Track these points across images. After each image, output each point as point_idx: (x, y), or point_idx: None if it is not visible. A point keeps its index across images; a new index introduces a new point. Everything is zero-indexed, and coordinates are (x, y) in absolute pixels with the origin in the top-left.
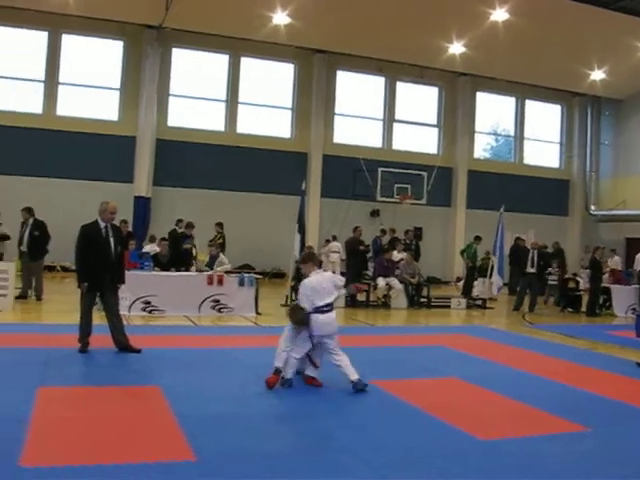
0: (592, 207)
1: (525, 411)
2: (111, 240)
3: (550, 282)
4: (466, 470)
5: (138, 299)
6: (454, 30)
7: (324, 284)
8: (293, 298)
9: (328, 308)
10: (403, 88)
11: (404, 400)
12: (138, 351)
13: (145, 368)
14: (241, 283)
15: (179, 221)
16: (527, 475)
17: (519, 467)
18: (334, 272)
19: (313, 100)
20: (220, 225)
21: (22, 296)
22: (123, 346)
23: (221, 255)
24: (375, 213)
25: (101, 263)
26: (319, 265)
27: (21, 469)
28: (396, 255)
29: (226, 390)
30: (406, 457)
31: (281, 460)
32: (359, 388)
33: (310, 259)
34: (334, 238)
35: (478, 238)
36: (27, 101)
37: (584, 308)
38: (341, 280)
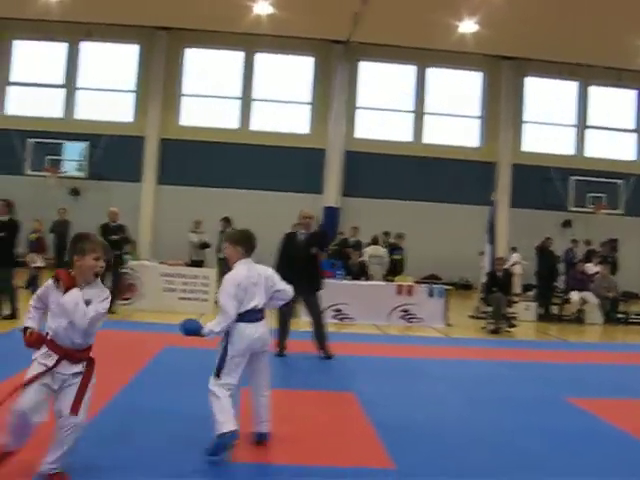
0: None
1: None
2: (306, 247)
3: None
4: None
5: (330, 307)
6: None
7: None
8: (482, 310)
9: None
10: (597, 93)
11: (607, 421)
12: (329, 357)
13: (338, 374)
14: (430, 294)
15: (353, 228)
16: None
17: None
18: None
19: (502, 108)
20: (400, 236)
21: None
22: (319, 351)
23: None
24: (567, 224)
25: (296, 269)
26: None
27: (232, 464)
28: (591, 268)
29: (419, 399)
30: (601, 476)
31: (482, 476)
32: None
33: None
34: (513, 249)
35: None
36: (225, 117)
37: None
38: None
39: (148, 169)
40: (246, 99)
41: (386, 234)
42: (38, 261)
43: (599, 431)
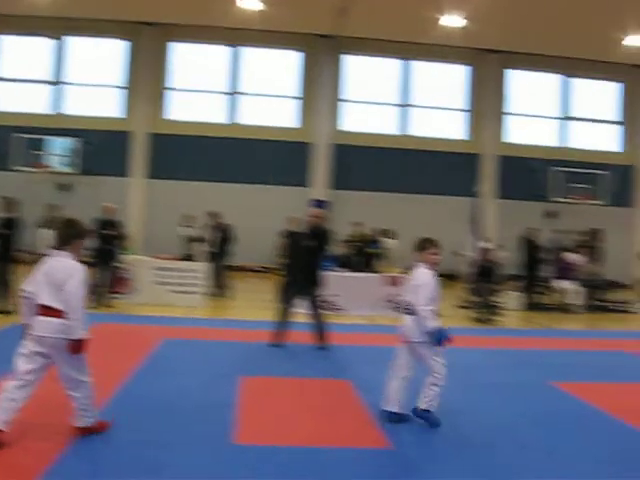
0: None
1: None
2: (311, 243)
3: None
4: None
5: None
6: (634, 21)
7: None
8: (469, 300)
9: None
10: (579, 84)
11: (585, 401)
12: (325, 348)
13: (333, 363)
14: None
15: (357, 224)
16: None
17: None
18: None
19: (487, 100)
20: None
21: (212, 294)
22: (316, 342)
23: None
24: (552, 214)
25: (300, 264)
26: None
27: (237, 446)
28: (574, 257)
29: (412, 384)
30: (589, 457)
31: (469, 448)
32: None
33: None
34: (487, 240)
35: None
36: (213, 112)
37: None
38: None
39: (136, 164)
40: (234, 93)
41: (357, 224)
42: None
43: (580, 411)
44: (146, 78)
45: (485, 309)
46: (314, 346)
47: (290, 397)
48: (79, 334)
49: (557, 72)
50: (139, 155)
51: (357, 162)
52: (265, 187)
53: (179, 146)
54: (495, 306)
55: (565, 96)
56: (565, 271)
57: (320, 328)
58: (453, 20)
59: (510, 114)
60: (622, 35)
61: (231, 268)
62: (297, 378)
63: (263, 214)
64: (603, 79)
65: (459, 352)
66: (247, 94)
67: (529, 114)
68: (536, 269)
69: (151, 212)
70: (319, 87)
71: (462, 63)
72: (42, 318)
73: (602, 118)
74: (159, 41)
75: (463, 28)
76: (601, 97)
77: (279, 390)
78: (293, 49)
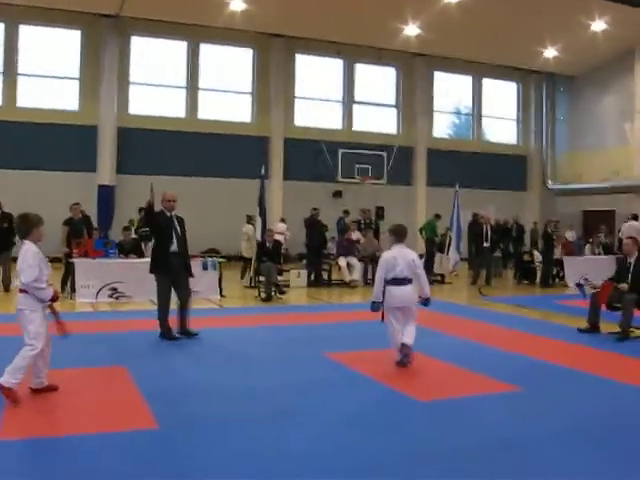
0: (549, 182)
1: (465, 375)
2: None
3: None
4: (401, 427)
5: (105, 286)
6: (409, 12)
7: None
8: (257, 280)
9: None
10: (361, 70)
11: (353, 369)
12: (195, 334)
13: (112, 351)
14: (205, 267)
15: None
16: (460, 430)
17: (452, 423)
18: None
19: (272, 84)
20: None
21: None
22: (183, 329)
23: None
24: (337, 194)
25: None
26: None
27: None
28: (355, 235)
29: (190, 367)
30: (347, 418)
31: (234, 425)
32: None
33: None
34: (282, 220)
35: (438, 216)
36: None
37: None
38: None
39: None
40: (9, 74)
41: (141, 210)
42: None
43: (347, 377)
44: None
45: (269, 287)
46: (183, 333)
47: (63, 387)
48: None
49: (340, 57)
50: None
51: (145, 146)
52: (48, 173)
53: None
54: (279, 284)
55: (349, 81)
56: (347, 248)
57: (186, 314)
58: (237, 4)
59: (298, 98)
60: (401, 25)
61: (13, 259)
62: (72, 368)
63: (46, 201)
64: (382, 65)
65: (241, 331)
66: (24, 75)
67: (316, 98)
68: (321, 247)
69: None
70: (102, 68)
71: (248, 46)
72: None
73: (381, 102)
74: None
75: (246, 12)
76: (382, 82)
77: (51, 381)
78: (73, 28)
